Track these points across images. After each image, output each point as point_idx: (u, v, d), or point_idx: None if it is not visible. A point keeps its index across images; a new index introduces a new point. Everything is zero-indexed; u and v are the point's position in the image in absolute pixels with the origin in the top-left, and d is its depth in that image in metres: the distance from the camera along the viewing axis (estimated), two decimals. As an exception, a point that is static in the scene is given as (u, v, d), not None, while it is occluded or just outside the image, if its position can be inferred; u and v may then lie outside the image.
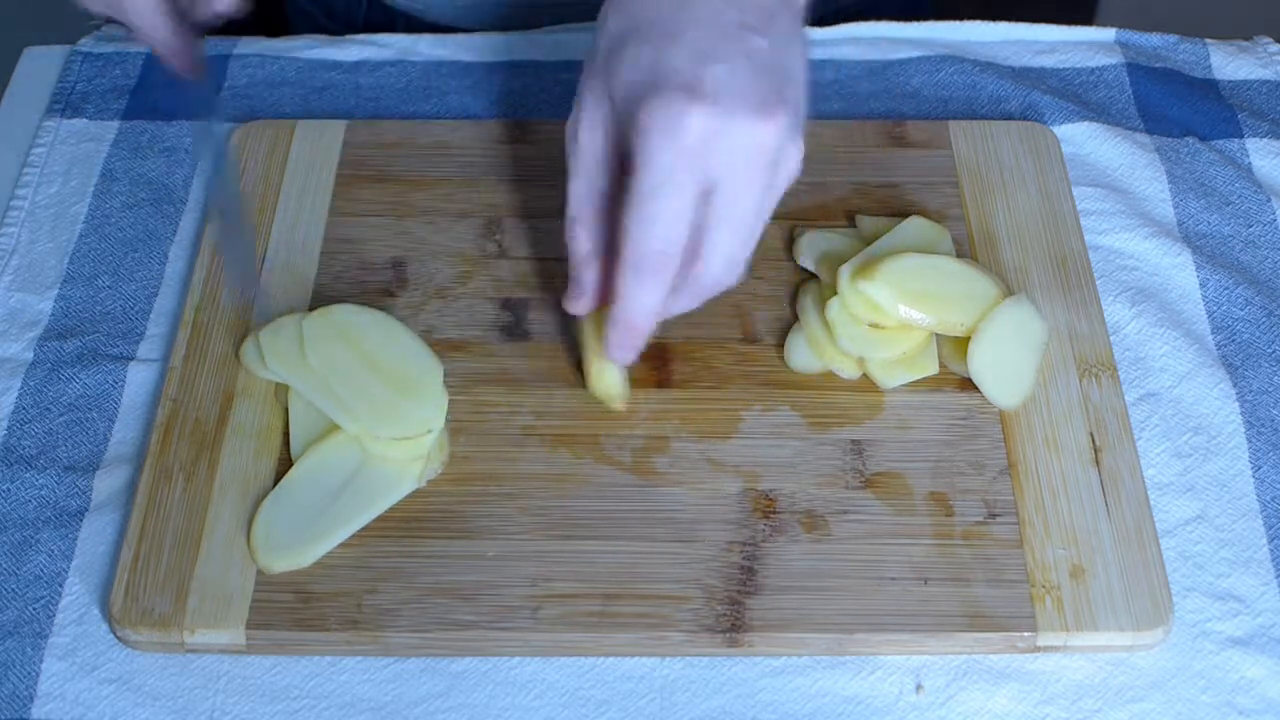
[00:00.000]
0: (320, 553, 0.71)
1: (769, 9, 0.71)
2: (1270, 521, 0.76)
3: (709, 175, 0.68)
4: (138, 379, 0.80)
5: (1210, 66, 0.97)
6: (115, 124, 0.92)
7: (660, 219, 0.68)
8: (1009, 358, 0.77)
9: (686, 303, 0.72)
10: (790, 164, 0.70)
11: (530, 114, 0.93)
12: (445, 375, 0.76)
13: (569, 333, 0.79)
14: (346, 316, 0.78)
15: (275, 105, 0.93)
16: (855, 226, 0.85)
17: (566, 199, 0.73)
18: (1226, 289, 0.84)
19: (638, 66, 0.69)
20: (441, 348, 0.78)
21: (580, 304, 0.75)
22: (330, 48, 0.96)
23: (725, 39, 0.69)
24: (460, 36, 0.97)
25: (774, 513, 0.73)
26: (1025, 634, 0.70)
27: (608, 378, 0.75)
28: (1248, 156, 0.91)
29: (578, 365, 0.79)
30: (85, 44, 0.97)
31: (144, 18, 0.75)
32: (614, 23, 0.72)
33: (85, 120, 0.92)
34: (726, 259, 0.70)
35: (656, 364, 0.79)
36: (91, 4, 0.76)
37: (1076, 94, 0.95)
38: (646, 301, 0.70)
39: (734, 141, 0.68)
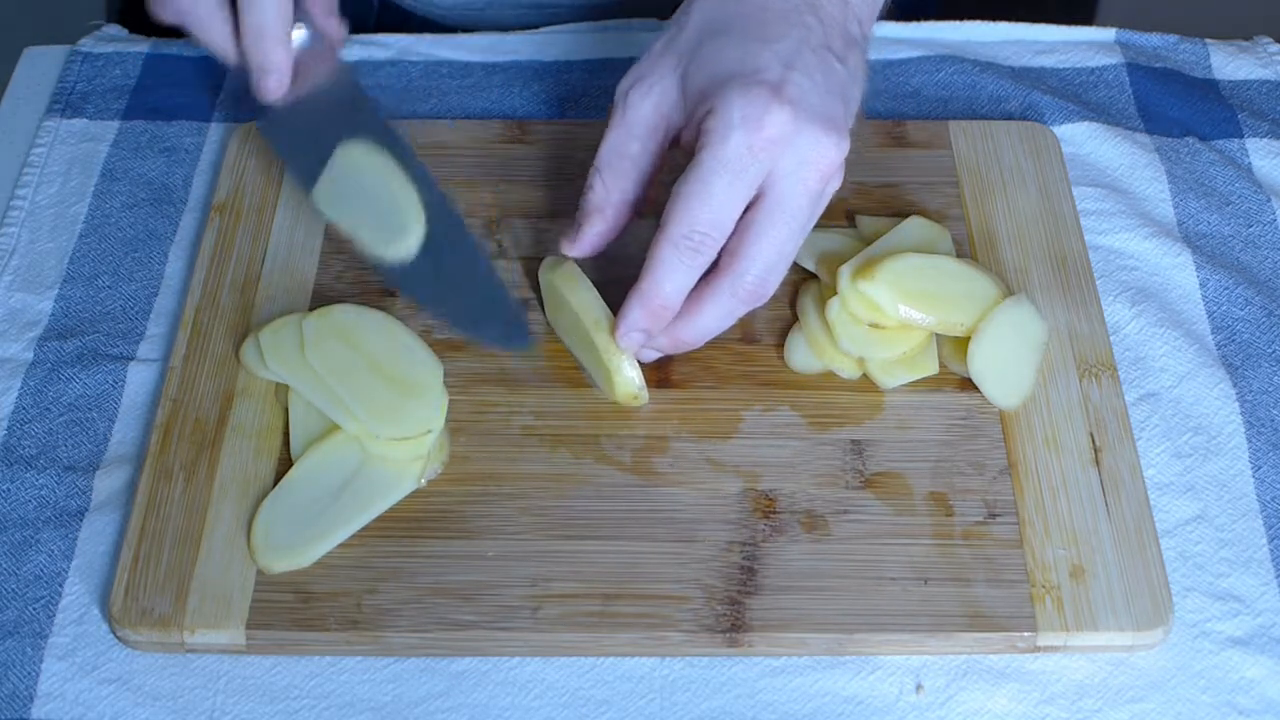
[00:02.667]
0: (320, 553, 0.71)
1: (851, 41, 0.74)
2: (1270, 521, 0.76)
3: (770, 174, 0.70)
4: (138, 379, 0.80)
5: (1210, 66, 0.97)
6: (115, 124, 0.92)
7: (715, 198, 0.70)
8: (1009, 358, 0.77)
9: (722, 309, 0.73)
10: (834, 185, 0.73)
11: (530, 114, 0.93)
12: (445, 375, 0.76)
13: (570, 336, 0.79)
14: (346, 316, 0.78)
15: (275, 105, 0.93)
16: (855, 226, 0.85)
17: (599, 149, 0.75)
18: (1226, 289, 0.84)
19: (724, 57, 0.71)
20: (441, 348, 0.78)
21: (577, 248, 0.76)
22: (331, 48, 0.96)
23: (812, 54, 0.72)
24: (460, 36, 0.97)
25: (774, 513, 0.73)
26: (1025, 634, 0.70)
27: (626, 375, 0.75)
28: (1248, 156, 0.91)
29: (578, 366, 0.79)
30: (85, 44, 0.97)
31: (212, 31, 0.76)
32: (701, 12, 0.74)
33: (85, 120, 0.92)
34: (766, 264, 0.71)
35: (656, 364, 0.79)
36: (163, 12, 0.77)
37: (1076, 94, 0.95)
38: (677, 280, 0.72)
39: (801, 148, 0.70)
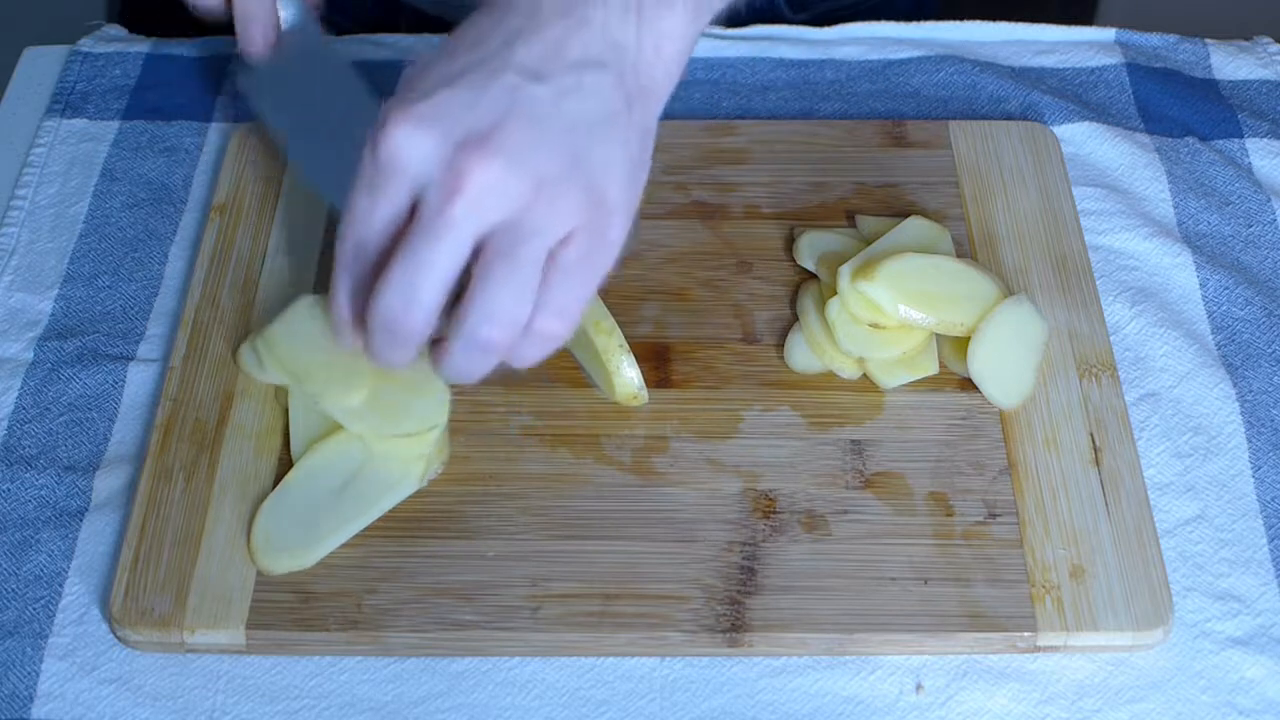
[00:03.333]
0: (321, 555, 0.71)
1: (573, 62, 0.67)
2: (1270, 521, 0.76)
3: (410, 192, 0.65)
4: (138, 379, 0.80)
5: (1210, 66, 0.97)
6: (115, 124, 0.92)
7: (353, 217, 0.66)
8: (1009, 358, 0.77)
9: (397, 352, 0.68)
10: (541, 217, 0.64)
11: (530, 114, 0.93)
12: (445, 375, 0.76)
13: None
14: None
15: (275, 105, 0.93)
16: (855, 226, 0.85)
17: None
18: (1226, 289, 0.84)
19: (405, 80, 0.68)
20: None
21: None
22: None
23: (484, 71, 0.66)
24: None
25: (774, 513, 0.73)
26: (1025, 634, 0.70)
27: (626, 376, 0.75)
28: (1248, 156, 0.91)
29: (578, 366, 0.79)
30: (85, 44, 0.97)
31: None
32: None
33: (85, 120, 0.92)
34: (403, 297, 0.65)
35: (656, 364, 0.79)
36: None
37: (1076, 94, 0.95)
38: (339, 294, 0.68)
39: (428, 164, 0.64)
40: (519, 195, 0.64)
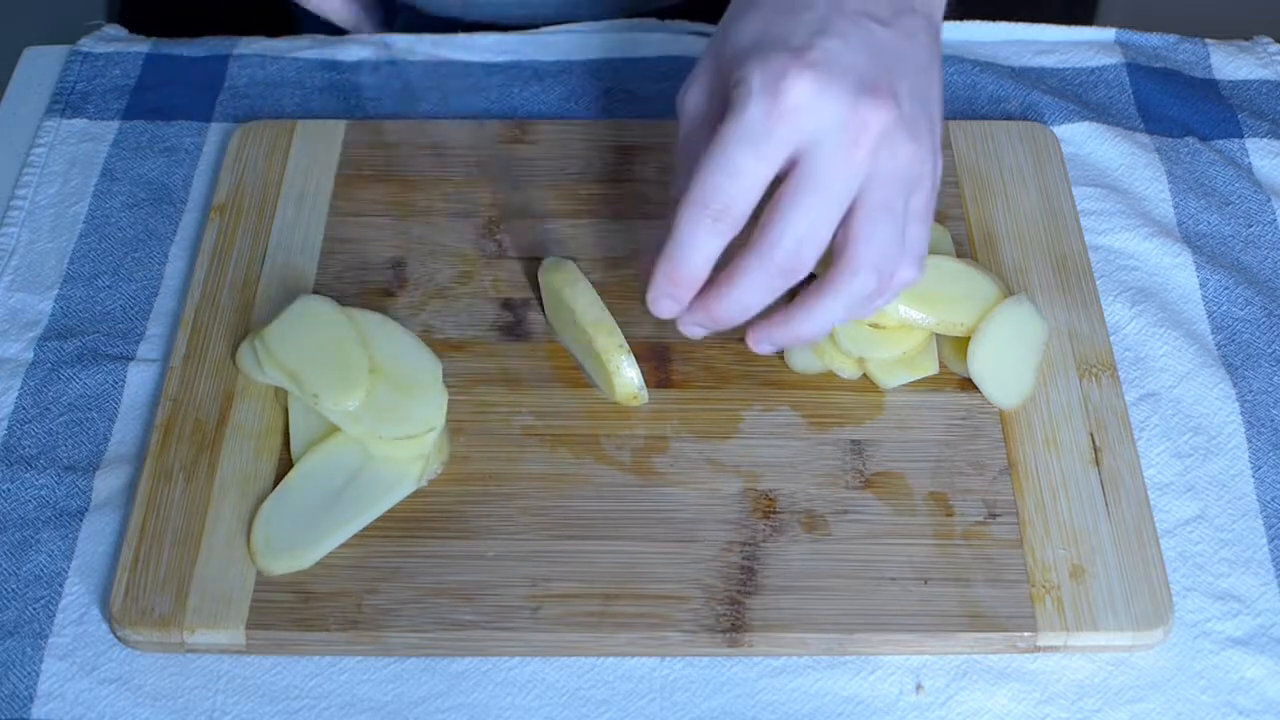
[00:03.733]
0: (320, 555, 0.71)
1: (902, 7, 0.71)
2: (1270, 521, 0.76)
3: (798, 144, 0.67)
4: (138, 379, 0.80)
5: (1210, 66, 0.97)
6: (115, 124, 0.92)
7: (734, 168, 0.67)
8: (1009, 358, 0.77)
9: (756, 283, 0.69)
10: (895, 152, 0.68)
11: (531, 114, 0.93)
12: (445, 375, 0.76)
13: (570, 336, 0.79)
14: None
15: (275, 105, 0.93)
16: (855, 226, 0.84)
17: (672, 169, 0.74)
18: (1226, 289, 0.84)
19: (749, 30, 0.69)
20: (441, 348, 0.78)
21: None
22: (330, 48, 0.96)
23: (846, 19, 0.68)
24: (460, 36, 0.97)
25: (774, 513, 0.73)
26: (1025, 634, 0.70)
27: (626, 376, 0.75)
28: (1248, 156, 0.91)
29: (578, 366, 0.79)
30: (85, 44, 0.97)
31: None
32: None
33: (85, 120, 0.92)
34: (797, 237, 0.68)
35: (656, 364, 0.79)
36: None
37: (1076, 94, 0.95)
38: (699, 248, 0.69)
39: (831, 114, 0.66)
40: (905, 144, 0.68)
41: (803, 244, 0.68)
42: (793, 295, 0.72)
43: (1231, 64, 0.97)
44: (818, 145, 0.67)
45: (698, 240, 0.68)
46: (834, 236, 0.69)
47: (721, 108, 0.69)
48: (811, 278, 0.71)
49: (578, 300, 0.76)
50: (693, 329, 0.73)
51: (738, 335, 0.79)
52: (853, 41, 0.68)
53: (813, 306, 0.71)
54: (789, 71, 0.66)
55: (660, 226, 0.71)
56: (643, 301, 0.73)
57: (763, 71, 0.66)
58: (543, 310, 0.81)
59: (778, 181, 0.68)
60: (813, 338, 0.73)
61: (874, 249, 0.69)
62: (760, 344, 0.74)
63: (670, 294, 0.71)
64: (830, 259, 0.70)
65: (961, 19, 0.98)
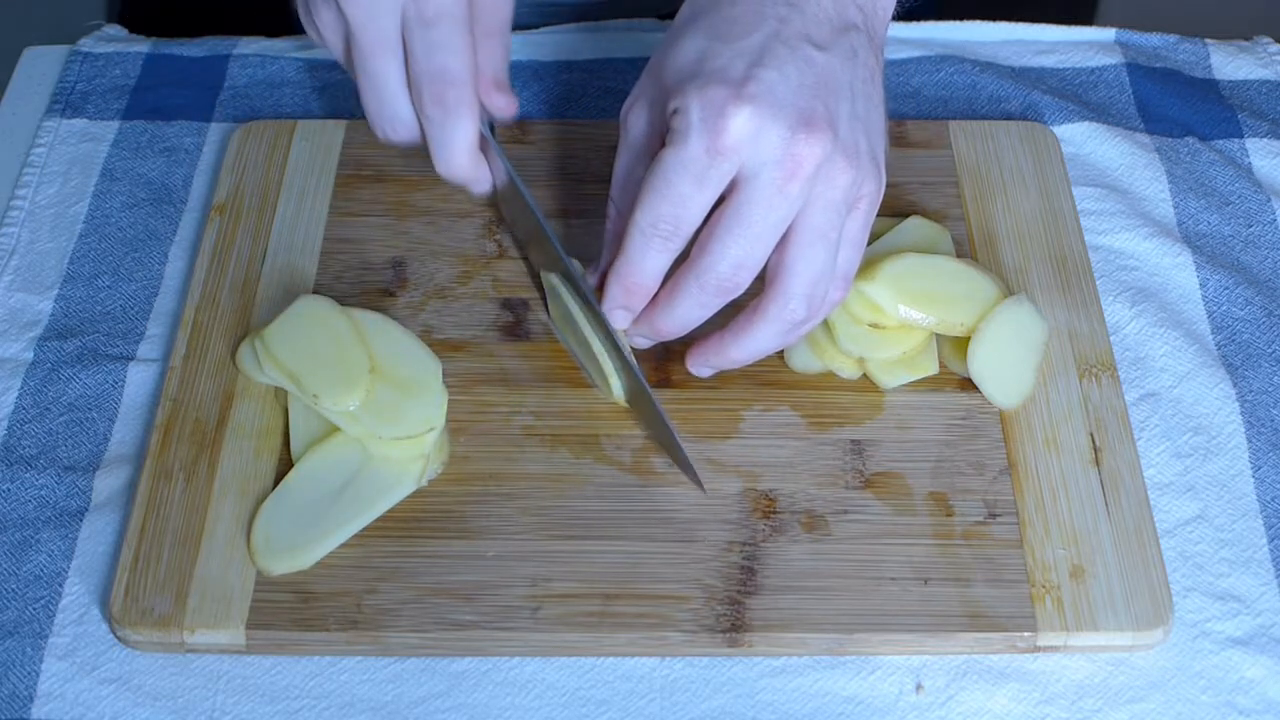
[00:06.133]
0: (320, 555, 0.71)
1: (843, 27, 0.72)
2: (1270, 521, 0.76)
3: (740, 171, 0.69)
4: (138, 379, 0.80)
5: (1210, 66, 0.97)
6: (115, 124, 0.92)
7: (677, 196, 0.69)
8: (1009, 358, 0.77)
9: (694, 300, 0.72)
10: (832, 181, 0.70)
11: (530, 114, 0.93)
12: (445, 375, 0.76)
13: (570, 337, 0.79)
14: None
15: (275, 105, 0.93)
16: (855, 226, 0.85)
17: (613, 176, 0.75)
18: (1226, 289, 0.84)
19: (689, 54, 0.71)
20: (441, 348, 0.78)
21: (598, 276, 0.76)
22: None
23: (784, 46, 0.70)
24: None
25: (774, 513, 0.73)
26: (1025, 634, 0.70)
27: (623, 378, 0.75)
28: (1248, 156, 0.91)
29: (579, 366, 0.79)
30: (85, 44, 0.97)
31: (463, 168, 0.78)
32: (683, 10, 0.73)
33: (85, 120, 0.92)
34: (733, 261, 0.70)
35: (656, 364, 0.79)
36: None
37: (1076, 94, 0.95)
38: (648, 262, 0.71)
39: (767, 149, 0.68)
40: (843, 171, 0.70)
41: (738, 269, 0.70)
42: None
43: (1231, 64, 0.97)
44: (755, 176, 0.69)
45: (648, 258, 0.71)
46: (770, 259, 0.71)
47: (662, 130, 0.71)
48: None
49: (578, 300, 0.76)
50: (639, 340, 0.76)
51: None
52: (789, 71, 0.69)
53: (746, 333, 0.73)
54: (728, 107, 0.68)
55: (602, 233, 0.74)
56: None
57: (702, 104, 0.68)
58: (545, 309, 0.81)
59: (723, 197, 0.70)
60: (746, 362, 0.75)
61: (805, 278, 0.71)
62: (698, 367, 0.76)
63: (624, 305, 0.73)
64: (765, 280, 0.72)
65: (961, 19, 0.98)
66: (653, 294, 0.73)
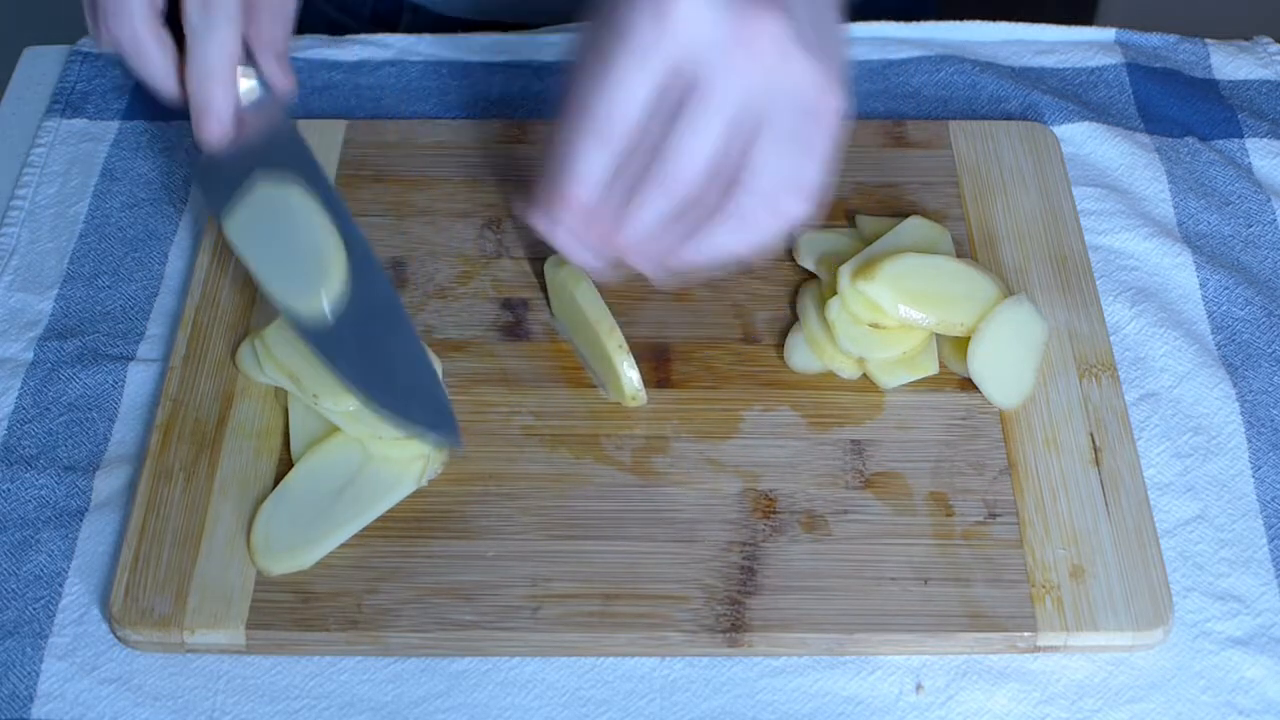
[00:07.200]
0: (320, 555, 0.71)
1: None
2: (1270, 521, 0.76)
3: (687, 60, 0.65)
4: (138, 379, 0.80)
5: (1210, 66, 0.97)
6: (115, 124, 0.92)
7: (616, 88, 0.66)
8: (1009, 358, 0.77)
9: (654, 208, 0.68)
10: (812, 90, 0.65)
11: (530, 114, 0.93)
12: (445, 375, 0.76)
13: (575, 332, 0.79)
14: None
15: (275, 105, 0.93)
16: (855, 226, 0.85)
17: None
18: (1226, 289, 0.84)
19: None
20: (441, 348, 0.78)
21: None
22: (330, 48, 0.96)
23: None
24: (461, 36, 0.97)
25: (774, 513, 0.73)
26: (1025, 634, 0.70)
27: (625, 377, 0.75)
28: (1248, 156, 0.92)
29: (579, 366, 0.79)
30: (85, 44, 0.97)
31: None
32: None
33: (85, 120, 0.92)
34: (694, 161, 0.66)
35: (656, 364, 0.79)
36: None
37: (1076, 94, 0.95)
38: (585, 166, 0.68)
39: (717, 26, 0.64)
40: (803, 59, 0.65)
41: (694, 162, 0.66)
42: None
43: (1231, 64, 0.97)
44: (707, 62, 0.65)
45: (587, 160, 0.67)
46: (731, 158, 0.67)
47: (609, 34, 0.67)
48: None
49: (582, 298, 0.76)
50: (590, 259, 0.72)
51: (737, 335, 0.79)
52: None
53: (701, 230, 0.69)
54: None
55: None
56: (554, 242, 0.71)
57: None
58: (547, 307, 0.81)
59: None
60: (701, 263, 0.70)
61: (765, 176, 0.67)
62: (652, 269, 0.71)
63: (565, 221, 0.70)
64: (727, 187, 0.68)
65: (961, 19, 0.98)
66: (592, 204, 0.69)
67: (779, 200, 0.68)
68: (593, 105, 0.66)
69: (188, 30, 0.73)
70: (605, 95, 0.66)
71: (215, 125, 0.74)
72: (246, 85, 0.75)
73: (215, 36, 0.73)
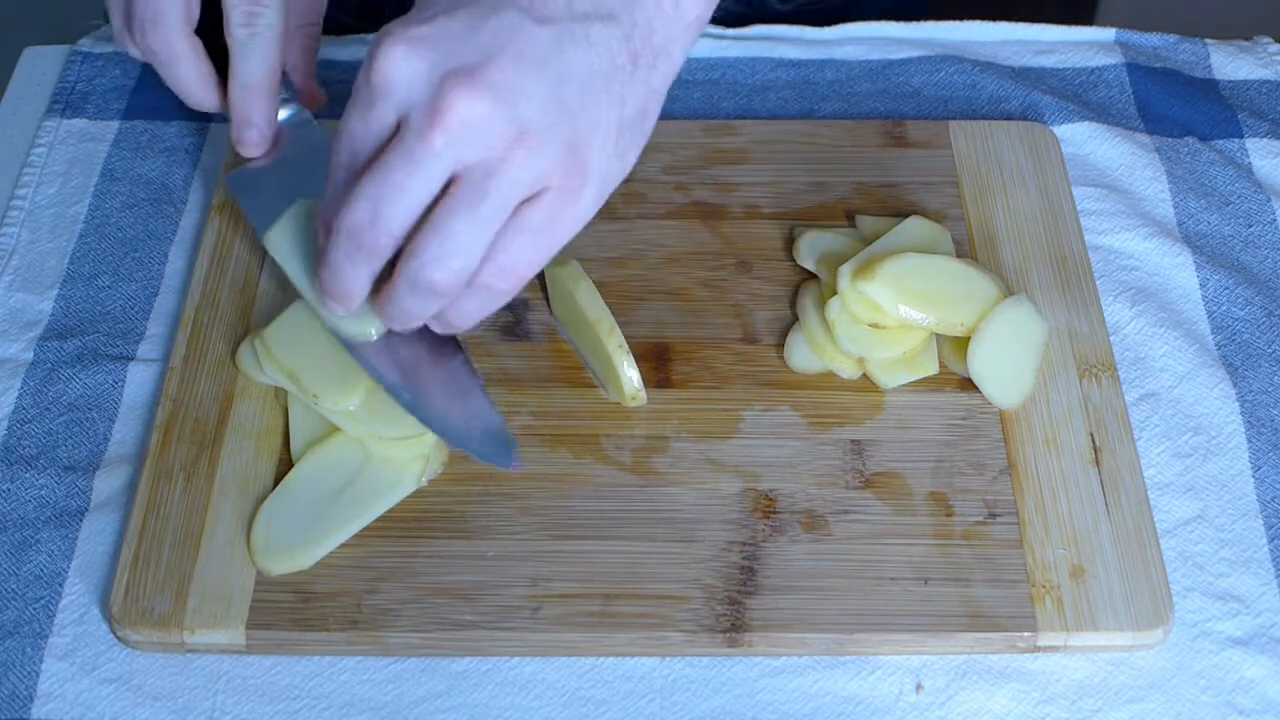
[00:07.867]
0: (320, 555, 0.71)
1: (583, 12, 0.65)
2: (1270, 521, 0.76)
3: (396, 110, 0.64)
4: (138, 379, 0.80)
5: (1210, 66, 0.97)
6: (115, 124, 0.92)
7: (348, 130, 0.65)
8: (1009, 358, 0.77)
9: (348, 254, 0.66)
10: (522, 169, 0.63)
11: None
12: (445, 375, 0.76)
13: (574, 331, 0.79)
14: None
15: (275, 105, 0.93)
16: (855, 226, 0.85)
17: None
18: (1226, 289, 0.84)
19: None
20: (441, 348, 0.78)
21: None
22: (330, 48, 0.96)
23: (491, 8, 0.64)
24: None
25: (774, 513, 0.73)
26: (1025, 634, 0.70)
27: (625, 377, 0.75)
28: (1248, 156, 0.92)
29: (579, 366, 0.79)
30: (85, 44, 0.97)
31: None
32: None
33: (85, 120, 0.92)
34: (370, 209, 0.64)
35: (656, 364, 0.79)
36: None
37: (1076, 94, 0.95)
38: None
39: (415, 88, 0.63)
40: (499, 137, 0.62)
41: (375, 219, 0.64)
42: None
43: (1231, 64, 0.97)
44: (405, 120, 0.64)
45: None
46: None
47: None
48: None
49: (582, 298, 0.76)
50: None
51: (737, 335, 0.79)
52: (477, 26, 0.63)
53: (386, 291, 0.67)
54: (385, 40, 0.63)
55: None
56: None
57: (375, 41, 0.64)
58: (547, 307, 0.81)
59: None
60: (400, 324, 0.69)
61: (436, 242, 0.64)
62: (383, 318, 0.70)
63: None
64: None
65: (961, 19, 0.98)
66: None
67: (455, 265, 0.65)
68: (334, 150, 0.66)
69: (231, 44, 0.77)
70: (342, 142, 0.66)
71: (255, 136, 0.79)
72: (285, 111, 0.81)
73: (259, 51, 0.77)
